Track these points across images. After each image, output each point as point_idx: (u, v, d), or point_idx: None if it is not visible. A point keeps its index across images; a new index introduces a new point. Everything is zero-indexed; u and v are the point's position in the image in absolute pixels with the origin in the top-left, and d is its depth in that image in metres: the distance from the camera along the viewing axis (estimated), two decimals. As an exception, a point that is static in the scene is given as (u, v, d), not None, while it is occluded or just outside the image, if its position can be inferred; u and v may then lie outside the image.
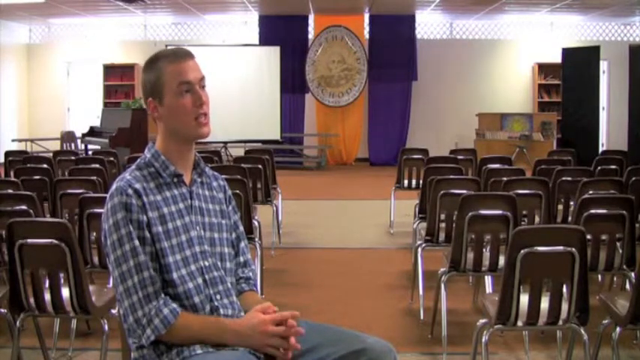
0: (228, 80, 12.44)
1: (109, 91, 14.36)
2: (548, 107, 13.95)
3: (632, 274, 3.56)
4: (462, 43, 14.45)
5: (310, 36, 14.02)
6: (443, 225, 4.32)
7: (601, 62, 12.66)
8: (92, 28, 14.41)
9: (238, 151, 10.87)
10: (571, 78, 12.64)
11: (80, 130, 12.21)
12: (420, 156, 6.87)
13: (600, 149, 12.32)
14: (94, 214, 3.57)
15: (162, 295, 1.92)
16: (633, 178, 4.87)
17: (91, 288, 3.11)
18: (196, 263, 1.99)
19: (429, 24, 14.44)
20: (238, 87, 12.71)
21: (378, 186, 9.77)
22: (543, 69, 14.14)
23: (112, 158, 6.79)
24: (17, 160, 6.93)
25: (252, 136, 12.71)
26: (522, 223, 4.22)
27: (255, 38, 13.91)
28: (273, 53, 13.12)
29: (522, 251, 2.72)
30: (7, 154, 7.43)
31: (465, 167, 6.30)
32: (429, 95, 14.09)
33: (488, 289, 4.06)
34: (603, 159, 6.39)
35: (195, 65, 2.04)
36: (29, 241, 2.88)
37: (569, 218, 4.61)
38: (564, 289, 2.79)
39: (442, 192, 4.34)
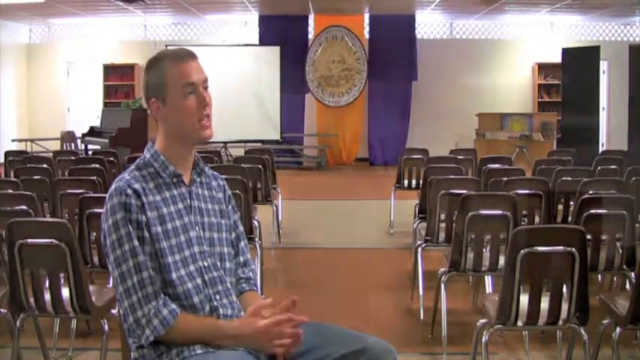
0: (229, 80, 12.44)
1: (109, 91, 14.36)
2: (548, 107, 13.95)
3: (632, 274, 3.56)
4: (462, 43, 14.45)
5: (310, 36, 14.01)
6: (443, 225, 4.32)
7: (601, 62, 12.66)
8: (92, 28, 14.41)
9: (238, 151, 10.87)
10: (571, 78, 12.64)
11: (80, 130, 12.21)
12: (420, 156, 6.87)
13: (600, 149, 12.31)
14: (94, 214, 3.57)
15: (162, 296, 1.92)
16: (633, 178, 4.87)
17: (91, 288, 3.11)
18: (195, 263, 1.99)
19: (429, 24, 14.44)
20: (238, 87, 12.71)
21: (378, 186, 9.77)
22: (543, 69, 14.14)
23: (112, 158, 6.79)
24: (17, 160, 6.93)
25: (252, 136, 12.71)
26: (522, 223, 4.22)
27: (255, 38, 13.91)
28: (273, 53, 13.12)
29: (522, 251, 2.72)
30: (7, 154, 7.43)
31: (465, 167, 6.31)
32: (429, 95, 14.09)
33: (488, 289, 4.06)
34: (603, 159, 6.39)
35: (199, 66, 2.04)
36: (29, 241, 2.88)
37: (569, 218, 4.61)
38: (564, 289, 2.79)
39: (442, 192, 4.34)
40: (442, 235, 4.32)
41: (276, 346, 1.87)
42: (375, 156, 14.14)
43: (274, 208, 6.26)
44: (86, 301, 2.94)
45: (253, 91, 12.91)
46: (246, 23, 14.26)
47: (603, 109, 13.64)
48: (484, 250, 3.68)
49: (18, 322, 3.02)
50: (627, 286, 3.86)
